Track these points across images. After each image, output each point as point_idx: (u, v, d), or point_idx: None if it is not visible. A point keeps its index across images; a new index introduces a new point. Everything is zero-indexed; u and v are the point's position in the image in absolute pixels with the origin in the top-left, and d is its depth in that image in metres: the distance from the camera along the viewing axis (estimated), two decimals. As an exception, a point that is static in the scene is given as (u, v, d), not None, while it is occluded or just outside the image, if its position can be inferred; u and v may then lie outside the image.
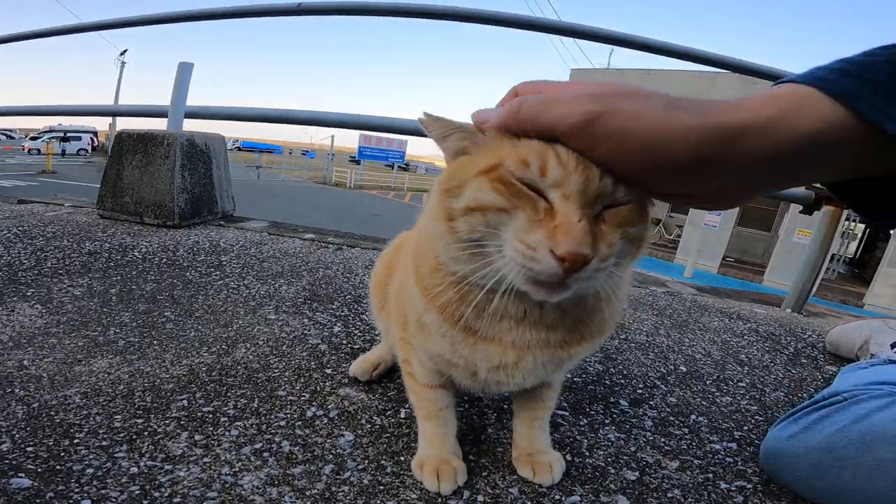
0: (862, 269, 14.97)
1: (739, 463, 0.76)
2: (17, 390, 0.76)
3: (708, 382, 1.04)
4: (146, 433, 0.69)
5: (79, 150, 23.51)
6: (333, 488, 0.62)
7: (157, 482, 0.60)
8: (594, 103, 0.38)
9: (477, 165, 0.45)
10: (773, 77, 2.09)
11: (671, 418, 0.88)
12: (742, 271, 12.85)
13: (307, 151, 44.34)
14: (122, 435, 0.68)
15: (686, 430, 0.84)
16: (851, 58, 0.36)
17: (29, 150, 22.12)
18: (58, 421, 0.69)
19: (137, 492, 0.58)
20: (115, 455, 0.64)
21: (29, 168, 15.49)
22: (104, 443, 0.66)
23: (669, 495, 0.67)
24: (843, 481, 0.62)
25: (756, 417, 0.92)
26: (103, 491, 0.57)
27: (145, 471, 0.61)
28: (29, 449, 0.63)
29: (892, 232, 10.88)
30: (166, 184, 1.97)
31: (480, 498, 0.63)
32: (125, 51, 22.95)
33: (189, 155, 2.06)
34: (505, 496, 0.64)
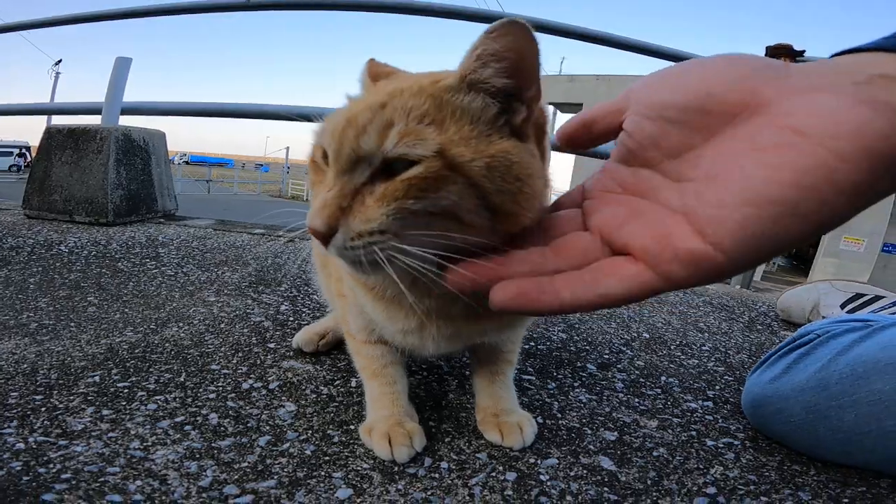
0: (800, 260, 15.55)
1: (720, 420, 0.70)
2: None
3: (672, 347, 1.00)
4: (43, 409, 0.56)
5: (9, 166, 21.60)
6: (269, 460, 0.51)
7: (45, 458, 0.47)
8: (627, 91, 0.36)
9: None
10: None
11: (641, 380, 0.82)
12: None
13: (261, 165, 42.88)
14: (14, 412, 0.54)
15: (659, 391, 0.78)
16: None
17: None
18: (-79, 404, 0.55)
19: (19, 468, 0.45)
20: (1, 432, 0.50)
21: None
22: (-17, 422, 0.52)
23: (655, 454, 0.60)
24: (845, 424, 0.55)
25: (726, 377, 0.87)
26: (-33, 474, 0.44)
27: (34, 447, 0.48)
28: None
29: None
30: (99, 179, 1.79)
31: (444, 465, 0.54)
32: (59, 61, 21.40)
33: (125, 150, 1.88)
34: (472, 462, 0.55)
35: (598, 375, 0.82)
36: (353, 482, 0.49)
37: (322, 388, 0.67)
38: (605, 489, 0.52)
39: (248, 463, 0.50)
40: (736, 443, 0.64)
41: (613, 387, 0.78)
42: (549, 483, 0.52)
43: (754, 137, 0.27)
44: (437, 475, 0.51)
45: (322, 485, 0.48)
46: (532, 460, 0.56)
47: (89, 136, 1.85)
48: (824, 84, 0.26)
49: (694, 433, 0.66)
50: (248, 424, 0.56)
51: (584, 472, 0.54)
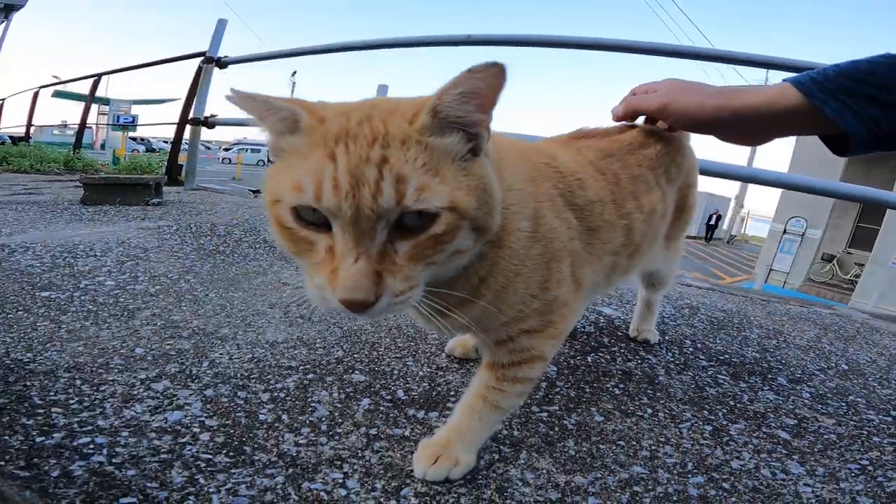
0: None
1: (894, 429, 0.87)
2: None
3: (870, 379, 1.12)
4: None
5: (258, 161, 27.90)
6: (549, 396, 0.90)
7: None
8: (663, 98, 0.77)
9: (268, 188, 0.43)
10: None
11: (829, 395, 1.00)
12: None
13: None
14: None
15: (843, 404, 0.96)
16: (825, 68, 0.66)
17: (223, 159, 26.91)
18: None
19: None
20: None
21: (222, 175, 18.91)
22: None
23: (826, 437, 0.82)
24: None
25: (922, 411, 0.99)
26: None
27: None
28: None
29: None
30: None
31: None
32: (295, 72, 26.93)
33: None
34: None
35: (786, 386, 1.03)
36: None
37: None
38: (780, 447, 0.78)
39: (538, 396, 0.90)
40: (908, 450, 0.82)
41: (800, 395, 0.99)
42: (736, 437, 0.80)
43: None
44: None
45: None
46: (723, 422, 0.84)
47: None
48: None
49: (865, 432, 0.85)
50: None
51: (764, 436, 0.81)
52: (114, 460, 0.58)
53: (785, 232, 12.70)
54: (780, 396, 0.97)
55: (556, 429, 0.75)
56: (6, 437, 0.60)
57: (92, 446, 0.60)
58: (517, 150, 0.62)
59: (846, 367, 1.18)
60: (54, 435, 0.61)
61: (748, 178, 2.31)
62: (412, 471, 0.60)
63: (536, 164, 0.62)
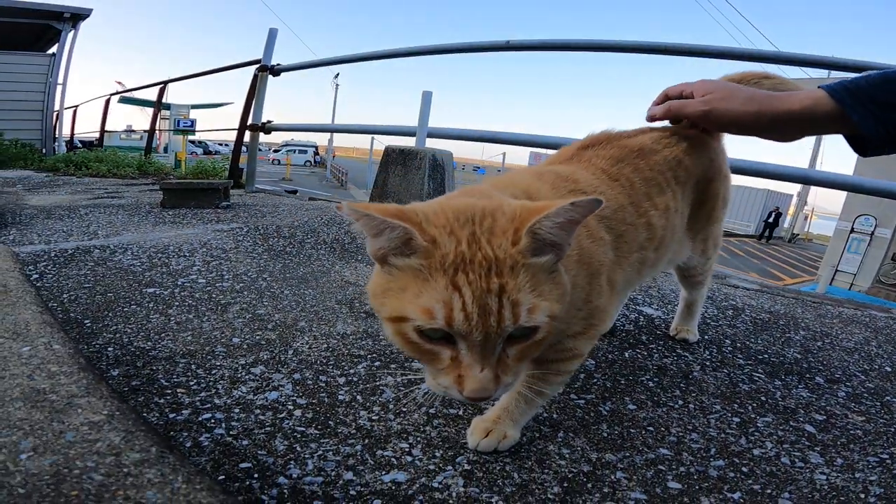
0: None
1: (929, 430, 0.92)
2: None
3: (916, 382, 1.15)
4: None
5: (305, 161, 29.15)
6: (589, 381, 1.00)
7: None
8: (705, 105, 0.86)
9: (390, 304, 0.50)
10: None
11: (865, 395, 1.05)
12: None
13: (478, 168, 47.21)
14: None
15: (878, 405, 1.01)
16: (856, 78, 0.77)
17: (273, 160, 28.22)
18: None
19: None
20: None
21: (272, 175, 19.84)
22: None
23: (852, 432, 0.88)
24: None
25: (964, 413, 1.02)
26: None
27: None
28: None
29: None
30: (417, 189, 2.65)
31: (690, 405, 0.94)
32: (337, 74, 27.69)
33: (433, 167, 2.71)
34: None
35: (823, 385, 1.08)
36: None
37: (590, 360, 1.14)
38: (804, 439, 0.85)
39: (577, 385, 1.00)
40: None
41: (835, 394, 1.04)
42: (762, 429, 0.88)
43: None
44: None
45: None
46: (751, 415, 0.92)
47: (413, 156, 2.73)
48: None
49: (893, 430, 0.90)
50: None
51: (790, 429, 0.88)
52: (231, 433, 0.74)
53: (852, 231, 11.85)
54: (813, 394, 1.03)
55: (592, 414, 0.86)
56: (145, 414, 0.77)
57: (213, 421, 0.77)
58: (552, 193, 0.70)
59: (889, 370, 1.20)
60: (183, 412, 0.78)
61: (809, 180, 2.30)
62: (466, 443, 0.73)
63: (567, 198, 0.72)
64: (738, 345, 1.27)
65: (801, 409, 0.96)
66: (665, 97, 0.94)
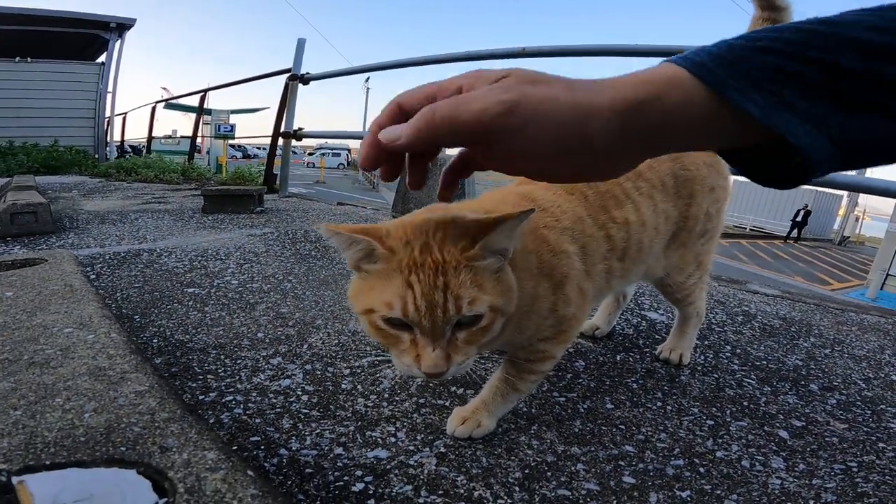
0: None
1: (910, 439, 0.96)
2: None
3: (917, 393, 1.17)
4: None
5: (338, 164, 30.08)
6: (580, 377, 1.10)
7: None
8: (506, 93, 0.38)
9: (361, 300, 0.64)
10: None
11: (858, 403, 1.09)
12: None
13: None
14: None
15: (869, 413, 1.05)
16: (730, 42, 0.38)
17: (307, 163, 29.28)
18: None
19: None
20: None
21: (306, 178, 20.55)
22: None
23: (827, 440, 0.94)
24: None
25: (959, 424, 1.05)
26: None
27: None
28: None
29: None
30: (436, 193, 2.79)
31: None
32: (368, 77, 28.33)
33: (458, 172, 2.84)
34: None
35: (815, 392, 1.13)
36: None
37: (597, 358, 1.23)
38: (773, 444, 0.92)
39: (561, 384, 1.10)
40: (914, 456, 0.91)
41: (825, 401, 1.09)
42: (733, 432, 0.95)
43: None
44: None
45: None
46: (727, 418, 0.99)
47: (434, 161, 2.88)
48: None
49: (874, 438, 0.95)
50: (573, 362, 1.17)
51: (763, 434, 0.95)
52: (247, 412, 0.90)
53: (904, 233, 11.11)
54: (801, 401, 1.08)
55: (569, 411, 0.96)
56: (180, 394, 0.94)
57: (233, 402, 0.93)
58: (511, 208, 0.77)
59: (895, 379, 1.23)
60: (210, 394, 0.95)
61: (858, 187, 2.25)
62: (445, 430, 0.86)
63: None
64: (738, 351, 1.32)
65: (780, 415, 1.02)
66: (398, 109, 0.46)
